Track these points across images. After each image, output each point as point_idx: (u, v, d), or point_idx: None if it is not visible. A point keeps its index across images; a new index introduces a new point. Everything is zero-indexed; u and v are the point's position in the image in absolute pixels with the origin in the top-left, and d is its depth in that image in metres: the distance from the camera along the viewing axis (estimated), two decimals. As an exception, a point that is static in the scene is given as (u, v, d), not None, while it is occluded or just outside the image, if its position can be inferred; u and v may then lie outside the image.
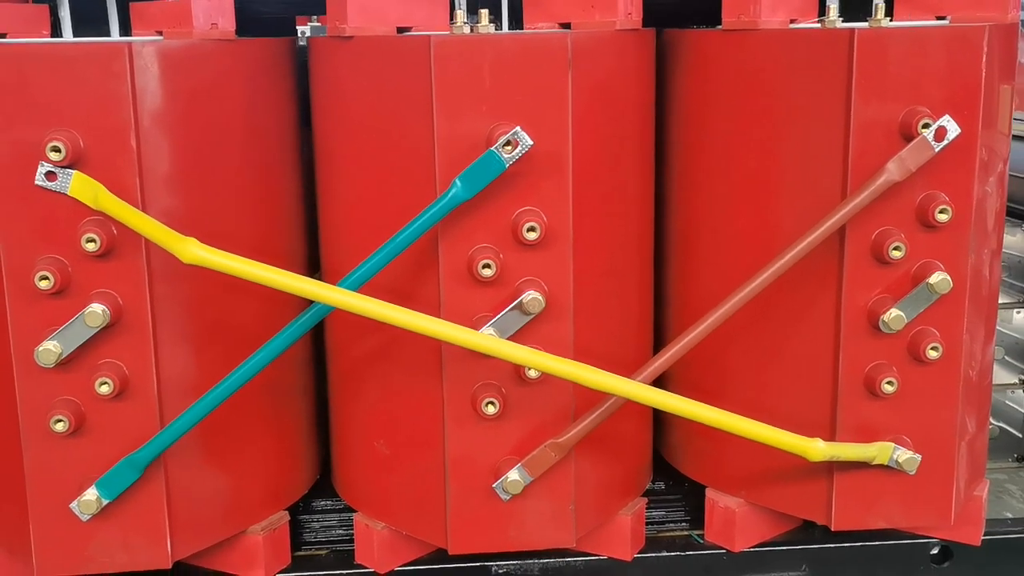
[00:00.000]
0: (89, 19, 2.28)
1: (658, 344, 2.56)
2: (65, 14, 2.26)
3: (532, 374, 2.17)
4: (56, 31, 2.28)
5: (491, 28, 2.11)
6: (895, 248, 2.18)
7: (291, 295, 2.10)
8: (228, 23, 2.20)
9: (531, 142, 2.04)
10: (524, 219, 2.12)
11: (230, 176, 2.25)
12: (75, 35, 2.27)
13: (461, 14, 2.33)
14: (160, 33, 2.22)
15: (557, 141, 2.13)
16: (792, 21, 2.33)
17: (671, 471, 2.68)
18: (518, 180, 2.11)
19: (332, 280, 2.23)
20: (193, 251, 1.93)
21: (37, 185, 2.01)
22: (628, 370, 2.28)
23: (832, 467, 2.30)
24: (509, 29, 2.37)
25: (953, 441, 2.32)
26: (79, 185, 2.00)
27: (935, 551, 2.50)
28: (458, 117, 2.11)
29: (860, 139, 2.16)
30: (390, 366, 2.33)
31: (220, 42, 2.18)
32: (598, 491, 2.42)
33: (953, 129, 2.10)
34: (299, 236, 2.49)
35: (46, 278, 2.03)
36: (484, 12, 2.12)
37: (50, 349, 2.04)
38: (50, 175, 2.00)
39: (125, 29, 2.30)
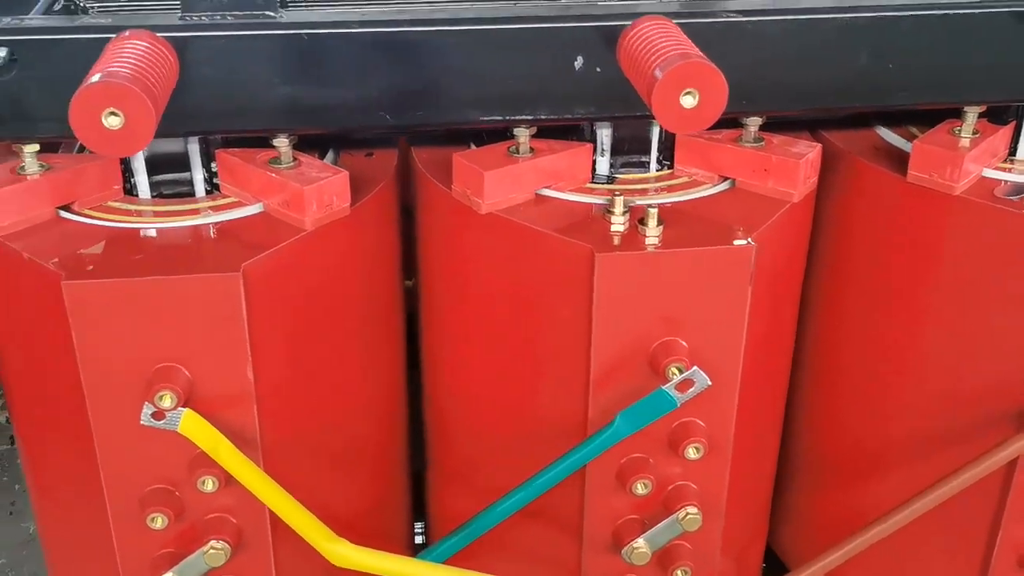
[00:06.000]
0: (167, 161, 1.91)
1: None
2: (140, 166, 1.89)
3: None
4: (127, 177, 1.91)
5: (658, 231, 1.80)
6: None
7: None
8: (344, 198, 1.85)
9: (708, 382, 1.79)
10: (686, 437, 1.90)
11: (349, 366, 1.99)
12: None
13: (603, 162, 2.00)
14: (260, 202, 1.87)
15: (728, 355, 1.88)
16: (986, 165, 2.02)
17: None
18: (681, 394, 1.87)
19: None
20: (345, 553, 1.70)
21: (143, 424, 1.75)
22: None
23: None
24: (657, 166, 2.03)
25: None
26: (192, 425, 1.74)
27: None
28: (618, 330, 1.84)
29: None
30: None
31: (337, 223, 1.85)
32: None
33: None
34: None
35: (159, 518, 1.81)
36: (653, 214, 1.79)
37: (166, 587, 1.86)
38: (157, 414, 1.74)
39: (207, 163, 1.93)
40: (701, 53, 1.60)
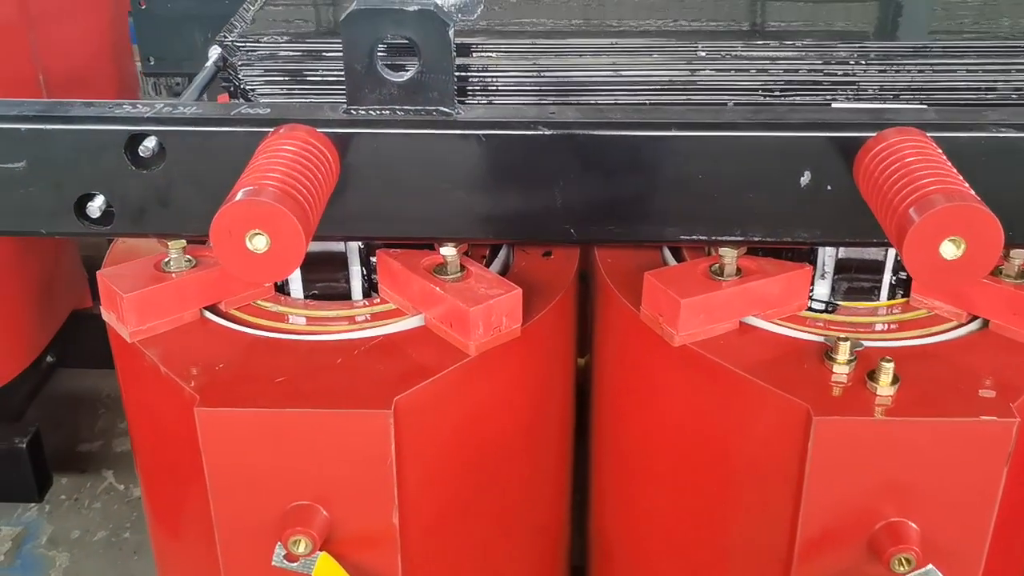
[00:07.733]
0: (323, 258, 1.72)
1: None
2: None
3: None
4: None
5: (891, 390, 1.47)
6: None
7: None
8: (515, 317, 1.61)
9: (945, 581, 1.45)
10: (911, 632, 1.56)
11: (510, 500, 1.74)
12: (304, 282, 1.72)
13: (823, 286, 1.68)
14: (420, 313, 1.65)
15: (969, 545, 1.52)
16: None
17: None
18: None
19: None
20: None
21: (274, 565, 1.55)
22: None
23: None
24: (887, 296, 1.70)
25: None
26: (327, 571, 1.53)
27: None
28: (835, 502, 1.51)
29: None
30: None
31: (506, 345, 1.61)
32: None
33: None
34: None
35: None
36: (887, 369, 1.46)
37: None
38: (290, 556, 1.54)
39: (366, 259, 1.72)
40: (969, 189, 1.27)
